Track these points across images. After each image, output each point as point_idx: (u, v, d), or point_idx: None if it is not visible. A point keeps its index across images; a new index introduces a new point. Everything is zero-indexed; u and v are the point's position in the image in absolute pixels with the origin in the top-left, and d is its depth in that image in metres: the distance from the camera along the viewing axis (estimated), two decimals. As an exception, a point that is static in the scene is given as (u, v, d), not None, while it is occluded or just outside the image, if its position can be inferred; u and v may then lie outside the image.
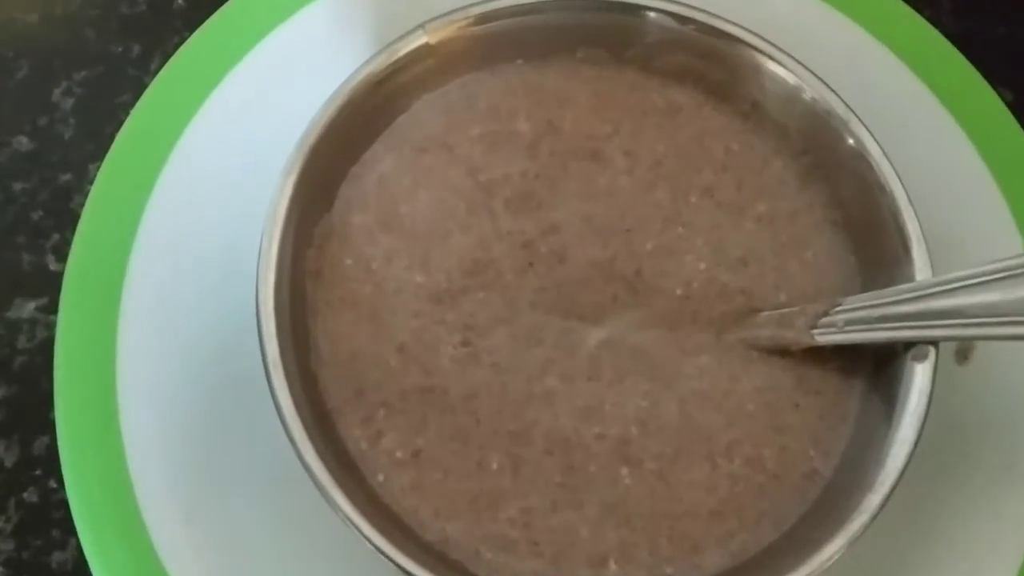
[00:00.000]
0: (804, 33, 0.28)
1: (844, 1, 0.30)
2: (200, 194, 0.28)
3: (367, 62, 0.25)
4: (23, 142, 0.32)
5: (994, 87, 0.32)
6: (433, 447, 0.23)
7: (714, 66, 0.27)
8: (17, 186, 0.31)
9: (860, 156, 0.25)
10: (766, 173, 0.27)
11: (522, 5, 0.26)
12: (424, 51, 0.26)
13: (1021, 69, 0.34)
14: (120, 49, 0.33)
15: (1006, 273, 0.22)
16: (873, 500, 0.22)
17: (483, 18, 0.26)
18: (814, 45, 0.27)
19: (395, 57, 0.25)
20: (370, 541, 0.21)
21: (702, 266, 0.25)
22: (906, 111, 0.29)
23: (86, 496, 0.24)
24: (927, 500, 0.26)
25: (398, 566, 0.21)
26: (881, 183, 0.25)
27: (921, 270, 0.24)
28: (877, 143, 0.25)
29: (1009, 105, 0.33)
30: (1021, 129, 0.30)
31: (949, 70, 0.30)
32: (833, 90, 0.26)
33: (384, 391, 0.24)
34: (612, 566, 0.23)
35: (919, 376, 0.23)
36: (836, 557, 0.21)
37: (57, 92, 0.32)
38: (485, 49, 0.26)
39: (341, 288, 0.25)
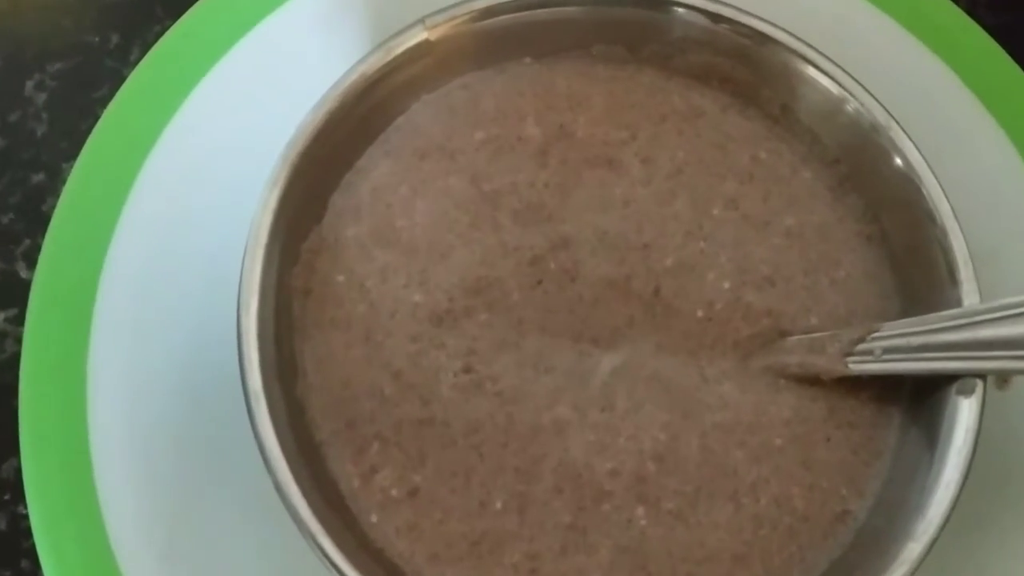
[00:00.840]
0: (838, 31, 0.26)
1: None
2: (181, 196, 0.26)
3: (362, 60, 0.24)
4: (-8, 139, 0.31)
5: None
6: (431, 485, 0.22)
7: (741, 66, 0.25)
8: (-14, 186, 0.30)
9: (900, 167, 0.24)
10: (795, 183, 0.25)
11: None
12: (424, 48, 0.25)
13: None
14: (97, 39, 0.32)
15: None
16: (914, 550, 0.20)
17: (488, 12, 0.25)
18: (850, 44, 0.26)
19: (392, 54, 0.24)
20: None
21: (726, 285, 0.24)
22: (947, 114, 0.28)
23: (52, 526, 0.23)
24: (964, 537, 0.24)
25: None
26: (923, 197, 0.23)
27: (968, 294, 0.22)
28: (923, 158, 0.24)
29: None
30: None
31: (992, 70, 0.29)
32: (872, 95, 0.24)
33: (378, 422, 0.22)
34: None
35: (965, 412, 0.21)
36: (874, 613, 0.20)
37: (30, 85, 0.31)
38: (490, 46, 0.25)
39: (332, 308, 0.23)
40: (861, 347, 0.22)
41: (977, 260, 0.23)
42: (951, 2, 0.30)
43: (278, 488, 0.20)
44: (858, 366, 0.22)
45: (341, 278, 0.23)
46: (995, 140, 0.27)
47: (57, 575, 0.23)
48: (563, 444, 0.22)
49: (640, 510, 0.22)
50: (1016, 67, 0.29)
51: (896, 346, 0.22)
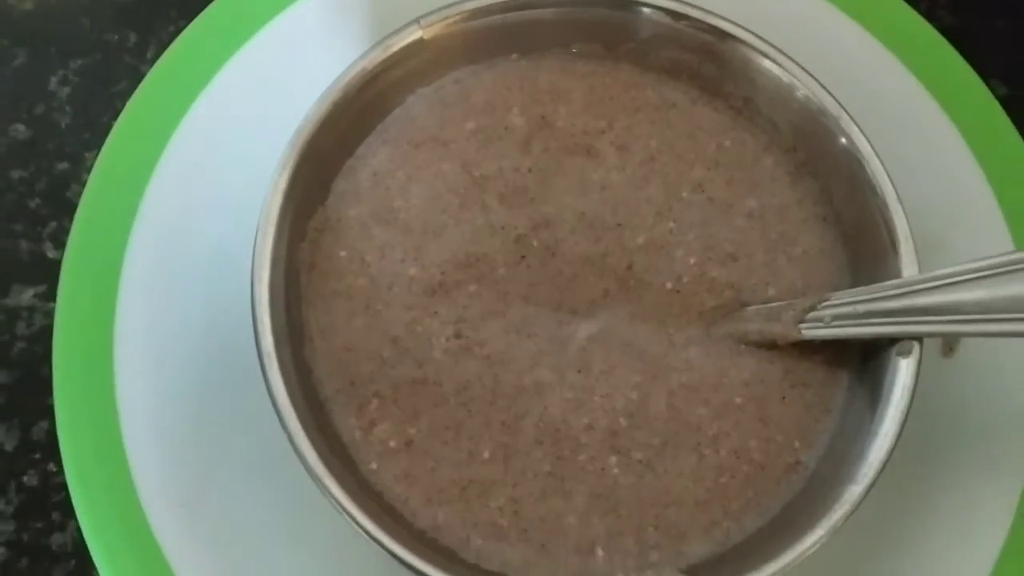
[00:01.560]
0: (797, 28, 0.28)
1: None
2: (197, 183, 0.28)
3: (362, 56, 0.25)
4: (20, 130, 0.32)
5: (988, 80, 0.32)
6: (425, 437, 0.24)
7: (707, 62, 0.27)
8: (15, 174, 0.31)
9: (850, 153, 0.25)
10: (757, 169, 0.27)
11: (517, 0, 0.26)
12: (419, 45, 0.26)
13: (1016, 63, 0.34)
14: (116, 38, 0.33)
15: (992, 271, 0.22)
16: (855, 491, 0.22)
17: (478, 13, 0.26)
18: (807, 40, 0.27)
19: (390, 51, 0.26)
20: (362, 528, 0.22)
21: (692, 261, 0.26)
22: (899, 108, 0.30)
23: (84, 478, 0.25)
24: (909, 487, 0.26)
25: (390, 552, 0.22)
26: (870, 180, 0.25)
27: (908, 267, 0.24)
28: (867, 140, 0.25)
29: (1003, 99, 0.33)
30: (1014, 127, 0.30)
31: (943, 66, 0.30)
32: (824, 87, 0.26)
33: (377, 382, 0.24)
34: (599, 553, 0.23)
35: (903, 371, 0.23)
36: (817, 546, 0.22)
37: (54, 80, 0.33)
38: (480, 44, 0.27)
39: (335, 281, 0.25)
40: (813, 315, 0.24)
41: (927, 247, 0.25)
42: (903, 1, 0.31)
43: (289, 438, 0.22)
44: (810, 332, 0.24)
45: (344, 253, 0.25)
46: (940, 125, 0.29)
47: (91, 523, 0.24)
48: (543, 402, 0.24)
49: (612, 460, 0.24)
50: (965, 63, 0.31)
51: (844, 313, 0.24)
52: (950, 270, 0.22)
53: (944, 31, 0.31)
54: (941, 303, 0.22)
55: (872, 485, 0.22)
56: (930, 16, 0.34)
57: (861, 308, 0.24)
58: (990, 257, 0.22)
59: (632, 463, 0.24)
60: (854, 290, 0.24)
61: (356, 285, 0.25)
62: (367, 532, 0.22)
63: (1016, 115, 0.31)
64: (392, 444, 0.24)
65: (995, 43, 0.35)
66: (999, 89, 0.34)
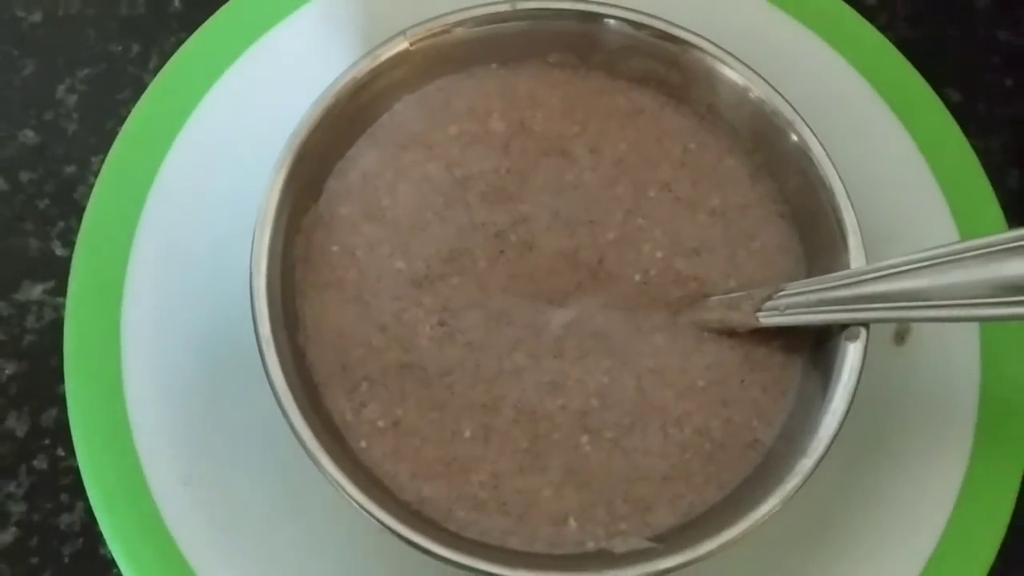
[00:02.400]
0: (759, 39, 0.30)
1: (797, 8, 0.32)
2: (197, 184, 0.29)
3: (352, 65, 0.27)
4: (29, 136, 0.33)
5: (944, 88, 0.34)
6: (411, 417, 0.25)
7: (671, 70, 0.29)
8: (24, 177, 0.33)
9: (804, 154, 0.27)
10: (719, 170, 0.29)
11: (495, 14, 0.28)
12: (405, 55, 0.27)
13: (969, 72, 0.36)
14: (120, 48, 0.35)
15: (933, 261, 0.24)
16: (806, 464, 0.24)
17: (459, 25, 0.28)
18: (768, 50, 0.29)
19: (378, 61, 0.27)
20: (354, 500, 0.23)
21: (659, 255, 0.28)
22: (854, 112, 0.31)
23: (94, 459, 0.26)
24: (862, 465, 0.28)
25: (380, 521, 0.23)
26: (822, 178, 0.27)
27: (856, 258, 0.26)
28: (819, 142, 0.27)
29: (957, 105, 0.35)
30: (960, 130, 0.32)
31: (894, 73, 0.32)
32: (781, 93, 0.28)
33: (367, 367, 0.26)
34: (572, 523, 0.25)
35: (851, 354, 0.25)
36: (771, 514, 0.24)
37: (61, 89, 0.34)
38: (461, 54, 0.28)
39: (327, 273, 0.27)
40: (769, 304, 0.26)
41: (879, 240, 0.27)
42: (854, 10, 0.33)
43: (286, 419, 0.24)
44: (767, 319, 0.26)
45: (335, 248, 0.27)
46: (891, 128, 0.31)
47: (100, 501, 0.26)
48: (521, 385, 0.26)
49: (585, 438, 0.25)
50: (912, 68, 0.32)
51: (797, 302, 0.26)
52: (895, 261, 0.24)
53: (902, 42, 0.33)
54: (886, 291, 0.24)
55: (822, 458, 0.24)
56: (889, 27, 0.36)
57: (813, 297, 0.25)
58: (931, 248, 0.24)
59: (603, 441, 0.26)
60: (807, 280, 0.26)
61: (347, 278, 0.27)
62: (359, 504, 0.23)
63: (969, 119, 0.33)
64: (380, 424, 0.25)
65: (949, 53, 0.37)
66: (953, 96, 0.36)
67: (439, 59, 0.28)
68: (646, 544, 0.24)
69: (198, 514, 0.26)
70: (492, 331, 0.26)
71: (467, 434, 0.25)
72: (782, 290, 0.26)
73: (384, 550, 0.25)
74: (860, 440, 0.28)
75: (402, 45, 0.27)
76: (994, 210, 0.31)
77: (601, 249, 0.27)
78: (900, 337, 0.30)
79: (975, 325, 0.29)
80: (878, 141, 0.31)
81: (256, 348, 0.24)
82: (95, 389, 0.27)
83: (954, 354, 0.29)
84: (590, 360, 0.26)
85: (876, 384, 0.27)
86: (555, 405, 0.26)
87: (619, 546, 0.24)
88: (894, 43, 0.33)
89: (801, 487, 0.24)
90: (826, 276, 0.26)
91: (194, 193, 0.29)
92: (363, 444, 0.25)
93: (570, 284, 0.27)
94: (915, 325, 0.30)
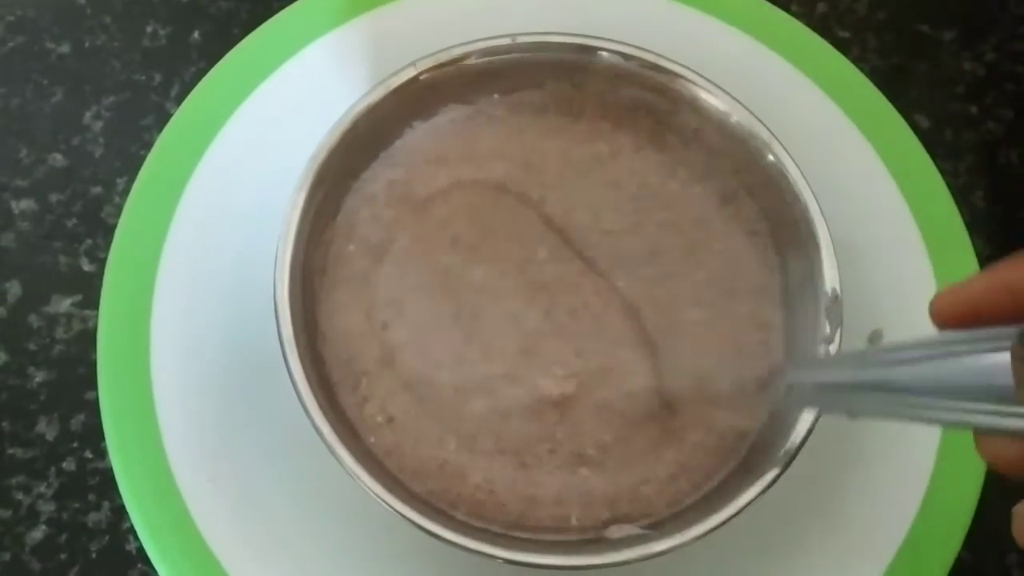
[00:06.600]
0: (739, 69, 0.32)
1: (777, 42, 0.35)
2: (221, 202, 0.31)
3: (366, 94, 0.29)
4: (58, 159, 0.35)
5: (913, 115, 0.36)
6: (407, 416, 0.27)
7: (661, 98, 0.31)
8: (54, 197, 0.35)
9: (781, 174, 0.29)
10: (702, 191, 0.31)
11: (496, 47, 0.30)
12: (414, 85, 0.29)
13: (937, 100, 0.39)
14: (143, 77, 0.36)
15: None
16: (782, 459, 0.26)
17: (464, 57, 0.30)
18: (748, 80, 0.31)
19: (390, 89, 0.29)
20: (371, 491, 0.25)
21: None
22: (829, 139, 0.34)
23: (126, 459, 0.28)
24: (832, 468, 0.30)
25: (397, 512, 0.25)
26: (798, 196, 0.29)
27: (829, 269, 0.28)
28: (794, 162, 0.29)
29: (926, 131, 0.38)
30: (928, 154, 0.34)
31: (867, 102, 0.35)
32: (760, 119, 0.30)
33: (364, 359, 0.28)
34: (573, 522, 0.27)
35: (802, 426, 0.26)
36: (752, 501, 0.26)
37: (88, 115, 0.36)
38: (466, 83, 0.30)
39: (343, 270, 0.28)
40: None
41: (845, 247, 0.28)
42: (829, 44, 0.35)
43: (307, 412, 0.25)
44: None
45: (352, 247, 0.29)
46: (863, 152, 0.33)
47: (132, 497, 0.28)
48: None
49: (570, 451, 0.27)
50: (880, 94, 0.35)
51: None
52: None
53: (873, 71, 0.36)
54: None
55: (787, 467, 0.26)
56: (862, 59, 0.38)
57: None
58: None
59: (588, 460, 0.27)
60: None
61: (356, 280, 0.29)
62: (376, 494, 0.25)
63: (937, 144, 0.36)
64: (379, 419, 0.27)
65: (918, 83, 0.39)
66: (922, 122, 0.38)
67: (445, 88, 0.30)
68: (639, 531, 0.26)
69: (224, 510, 0.28)
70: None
71: (452, 446, 0.27)
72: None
73: (406, 546, 0.27)
74: (830, 449, 0.30)
75: (411, 75, 0.29)
76: (959, 228, 0.33)
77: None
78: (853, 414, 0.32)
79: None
80: (852, 164, 0.34)
81: (279, 353, 0.26)
82: (126, 395, 0.29)
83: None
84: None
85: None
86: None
87: (615, 533, 0.26)
88: (866, 73, 0.35)
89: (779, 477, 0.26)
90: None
91: (218, 210, 0.31)
92: (372, 439, 0.27)
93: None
94: (886, 330, 0.31)
